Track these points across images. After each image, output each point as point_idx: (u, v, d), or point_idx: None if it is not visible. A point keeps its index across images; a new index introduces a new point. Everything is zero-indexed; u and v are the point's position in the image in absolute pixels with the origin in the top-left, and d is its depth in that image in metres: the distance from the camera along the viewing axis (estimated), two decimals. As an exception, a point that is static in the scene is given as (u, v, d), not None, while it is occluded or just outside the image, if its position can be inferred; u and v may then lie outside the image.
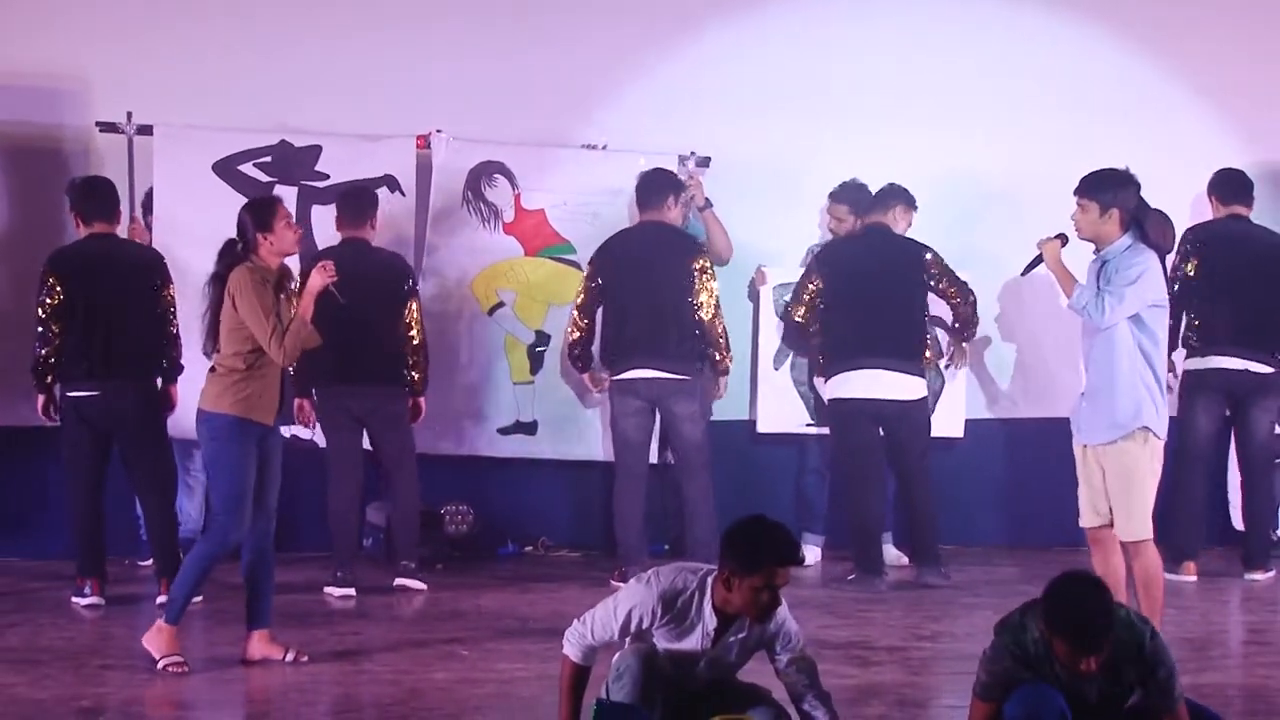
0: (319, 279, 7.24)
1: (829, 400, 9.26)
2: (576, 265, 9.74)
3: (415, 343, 8.94)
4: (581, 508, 10.17)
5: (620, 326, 9.11)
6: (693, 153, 9.82)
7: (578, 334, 9.25)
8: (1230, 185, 9.31)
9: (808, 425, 9.81)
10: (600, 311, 9.22)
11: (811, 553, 9.97)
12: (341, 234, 8.98)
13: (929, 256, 9.19)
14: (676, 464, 9.31)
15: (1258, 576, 9.20)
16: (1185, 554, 9.16)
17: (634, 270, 9.09)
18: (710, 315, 9.12)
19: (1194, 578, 9.12)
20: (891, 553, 9.67)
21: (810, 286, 9.25)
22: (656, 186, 9.25)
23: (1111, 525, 7.02)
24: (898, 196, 9.34)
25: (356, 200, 9.08)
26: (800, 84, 10.12)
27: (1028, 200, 9.64)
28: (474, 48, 10.00)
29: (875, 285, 9.08)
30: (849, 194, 9.61)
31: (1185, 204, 9.57)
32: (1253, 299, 9.10)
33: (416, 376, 8.95)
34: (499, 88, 9.93)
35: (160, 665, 6.95)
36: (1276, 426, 9.38)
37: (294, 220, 7.30)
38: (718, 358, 9.18)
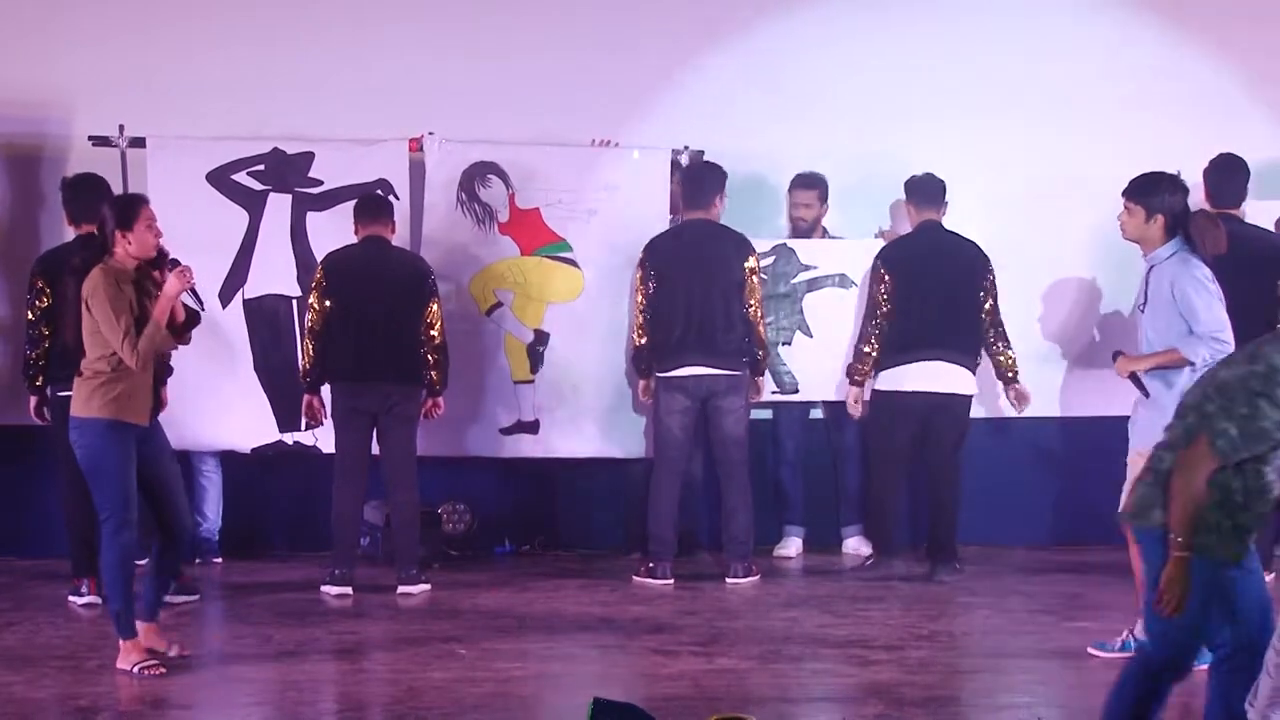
0: (177, 284, 7.07)
1: (878, 391, 9.28)
2: (574, 263, 9.75)
3: (437, 342, 8.94)
4: (579, 507, 10.17)
5: (672, 325, 9.14)
6: (686, 147, 9.81)
7: (645, 338, 9.24)
8: (1220, 184, 9.15)
9: (773, 393, 9.80)
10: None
11: (793, 545, 10.05)
12: (362, 232, 8.97)
13: (990, 263, 9.27)
14: (717, 461, 9.35)
15: (1267, 579, 9.18)
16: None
17: (687, 269, 9.13)
18: (758, 316, 9.20)
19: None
20: (852, 544, 9.96)
21: (882, 289, 9.24)
22: (704, 184, 9.30)
23: None
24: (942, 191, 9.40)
25: (375, 201, 9.12)
26: (793, 78, 10.11)
27: (1043, 198, 9.78)
28: (464, 49, 9.98)
29: (938, 281, 9.17)
30: (818, 180, 9.81)
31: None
32: (1245, 302, 8.97)
33: (436, 375, 8.94)
34: (490, 88, 9.92)
35: (135, 671, 6.95)
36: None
37: (156, 223, 7.13)
38: (760, 355, 9.25)
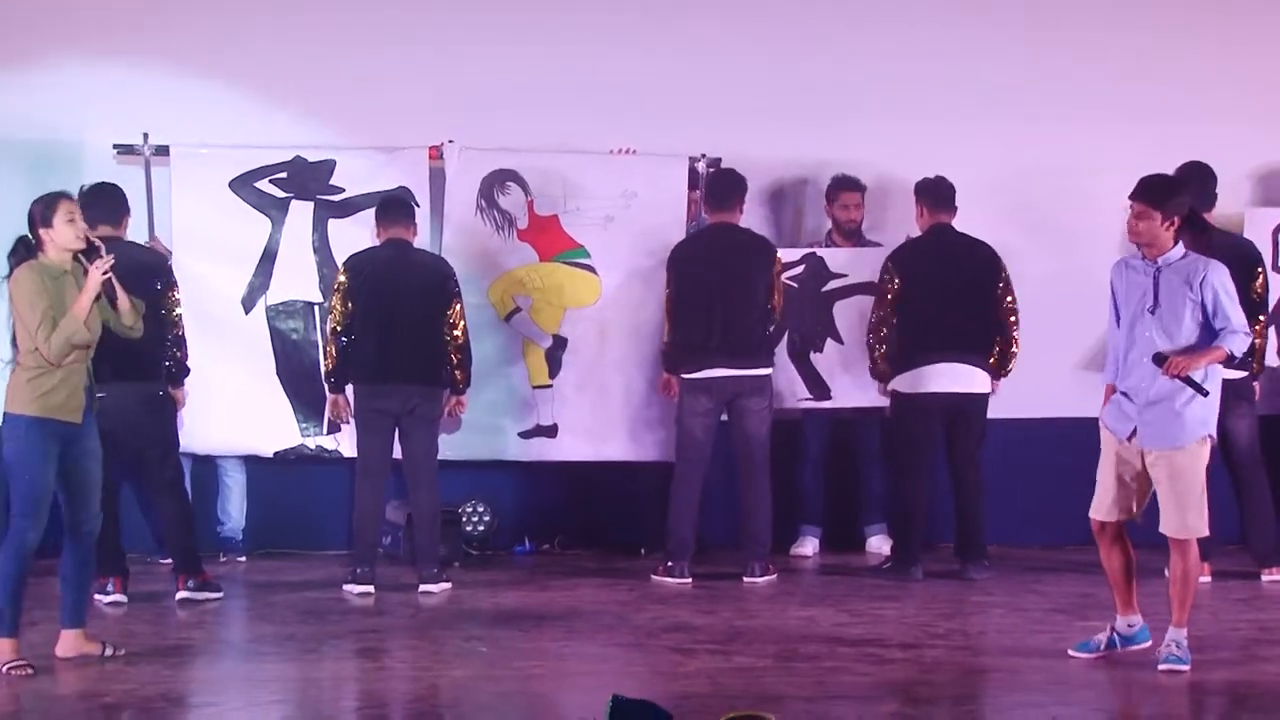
0: (95, 274, 7.02)
1: (896, 393, 9.34)
2: (592, 270, 9.83)
3: (460, 342, 9.00)
4: (597, 506, 10.21)
5: (696, 327, 9.20)
6: (704, 154, 9.89)
7: (670, 337, 9.30)
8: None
9: (803, 399, 9.88)
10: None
11: (810, 545, 10.11)
12: (384, 234, 9.04)
13: (1002, 261, 9.33)
14: (738, 460, 9.36)
15: (1276, 576, 9.23)
16: (1200, 556, 9.15)
17: (710, 272, 9.18)
18: (783, 319, 9.29)
19: (1209, 578, 9.12)
20: (875, 543, 10.04)
21: (890, 290, 9.33)
22: (726, 189, 9.35)
23: (1127, 522, 7.21)
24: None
25: (397, 204, 9.19)
26: (809, 84, 10.18)
27: (1037, 197, 9.91)
28: (483, 56, 10.04)
29: (952, 282, 9.23)
30: (859, 182, 9.91)
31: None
32: None
33: (460, 375, 9.01)
34: (509, 96, 9.97)
35: (3, 670, 6.94)
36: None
37: (79, 218, 7.08)
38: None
